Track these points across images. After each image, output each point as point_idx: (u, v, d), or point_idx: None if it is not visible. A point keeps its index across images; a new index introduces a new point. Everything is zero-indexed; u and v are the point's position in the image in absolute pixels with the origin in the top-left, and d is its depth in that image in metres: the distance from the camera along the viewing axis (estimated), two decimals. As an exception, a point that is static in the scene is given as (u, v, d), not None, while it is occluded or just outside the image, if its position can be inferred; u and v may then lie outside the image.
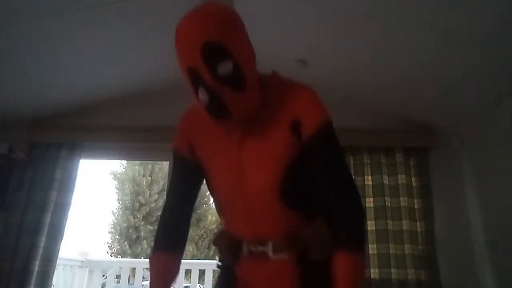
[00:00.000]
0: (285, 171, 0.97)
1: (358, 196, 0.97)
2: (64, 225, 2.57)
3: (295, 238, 1.00)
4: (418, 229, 2.44)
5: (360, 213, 0.95)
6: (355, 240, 0.93)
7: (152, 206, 14.76)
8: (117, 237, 14.56)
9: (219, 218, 1.17)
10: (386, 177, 2.56)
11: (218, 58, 0.88)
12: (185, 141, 1.10)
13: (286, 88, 1.02)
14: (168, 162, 2.86)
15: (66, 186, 2.63)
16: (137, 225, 14.44)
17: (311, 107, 0.97)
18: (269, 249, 1.00)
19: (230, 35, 0.90)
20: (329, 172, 0.96)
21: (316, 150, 0.95)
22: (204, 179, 1.13)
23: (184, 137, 1.11)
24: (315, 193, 0.98)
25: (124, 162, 15.15)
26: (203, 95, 0.91)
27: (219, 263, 1.14)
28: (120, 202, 15.02)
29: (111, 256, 14.17)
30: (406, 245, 2.40)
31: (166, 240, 1.10)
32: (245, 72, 0.92)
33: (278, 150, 0.97)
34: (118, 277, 4.95)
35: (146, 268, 4.45)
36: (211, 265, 3.81)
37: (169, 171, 2.84)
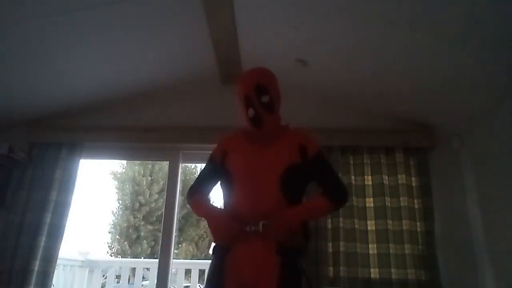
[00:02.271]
0: (287, 167, 1.58)
1: (346, 187, 1.68)
2: (64, 225, 2.57)
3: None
4: (418, 229, 2.44)
5: (346, 193, 1.63)
6: (335, 197, 1.60)
7: (152, 206, 14.75)
8: (117, 237, 14.56)
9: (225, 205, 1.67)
10: (386, 177, 2.55)
11: (262, 93, 1.62)
12: (222, 148, 1.74)
13: (297, 128, 1.73)
14: (168, 162, 2.86)
15: (66, 186, 2.63)
16: (137, 225, 14.42)
17: (313, 141, 1.69)
18: (259, 227, 1.47)
19: (270, 83, 1.66)
20: (329, 174, 1.67)
21: (317, 163, 1.66)
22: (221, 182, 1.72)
23: (223, 145, 1.75)
24: (298, 194, 1.62)
25: (124, 162, 15.15)
26: (251, 112, 1.62)
27: (213, 250, 1.59)
28: (120, 202, 15.01)
29: (111, 256, 14.17)
30: (406, 245, 2.40)
31: (198, 190, 1.74)
32: (275, 104, 1.66)
33: (286, 154, 1.62)
34: (118, 277, 4.96)
35: (147, 268, 4.45)
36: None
37: (169, 170, 2.85)
